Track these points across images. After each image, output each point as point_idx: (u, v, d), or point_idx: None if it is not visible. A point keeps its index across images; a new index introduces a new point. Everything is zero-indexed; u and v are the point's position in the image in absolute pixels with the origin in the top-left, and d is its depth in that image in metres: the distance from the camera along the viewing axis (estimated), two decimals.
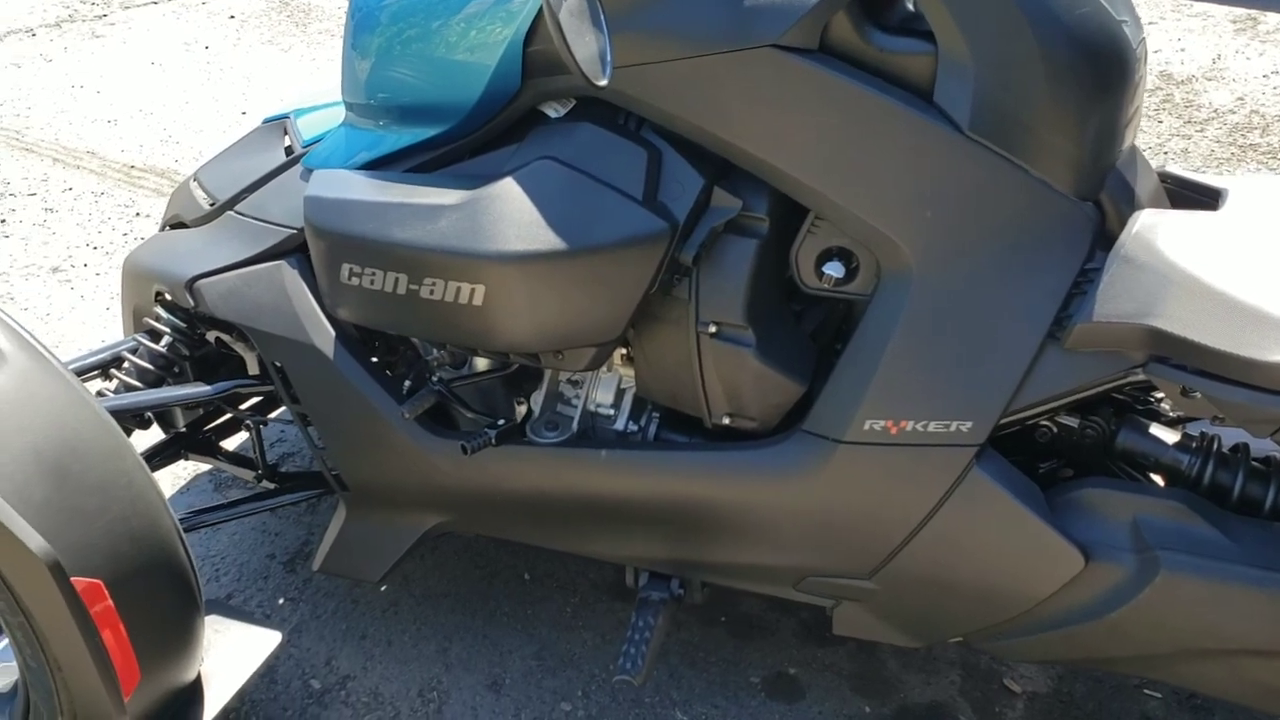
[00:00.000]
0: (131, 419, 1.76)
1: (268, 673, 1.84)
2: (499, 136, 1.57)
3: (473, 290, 1.42)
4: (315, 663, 1.88)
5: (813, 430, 1.47)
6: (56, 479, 1.35)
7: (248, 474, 1.93)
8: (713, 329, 1.47)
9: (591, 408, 1.65)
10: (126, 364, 1.79)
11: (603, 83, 1.30)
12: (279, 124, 1.99)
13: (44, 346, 1.42)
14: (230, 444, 2.04)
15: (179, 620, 1.50)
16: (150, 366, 1.78)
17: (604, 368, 1.64)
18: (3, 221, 3.33)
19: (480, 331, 1.46)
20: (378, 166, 1.63)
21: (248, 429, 1.89)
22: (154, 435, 1.96)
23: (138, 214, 3.38)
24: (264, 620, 1.74)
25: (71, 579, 1.34)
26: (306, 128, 1.90)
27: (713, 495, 1.55)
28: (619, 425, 1.65)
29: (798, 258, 1.47)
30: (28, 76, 4.44)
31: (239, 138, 2.07)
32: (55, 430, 1.37)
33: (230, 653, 1.69)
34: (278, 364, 1.69)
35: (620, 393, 1.65)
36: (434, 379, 1.62)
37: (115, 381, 1.78)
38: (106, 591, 1.38)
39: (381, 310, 1.51)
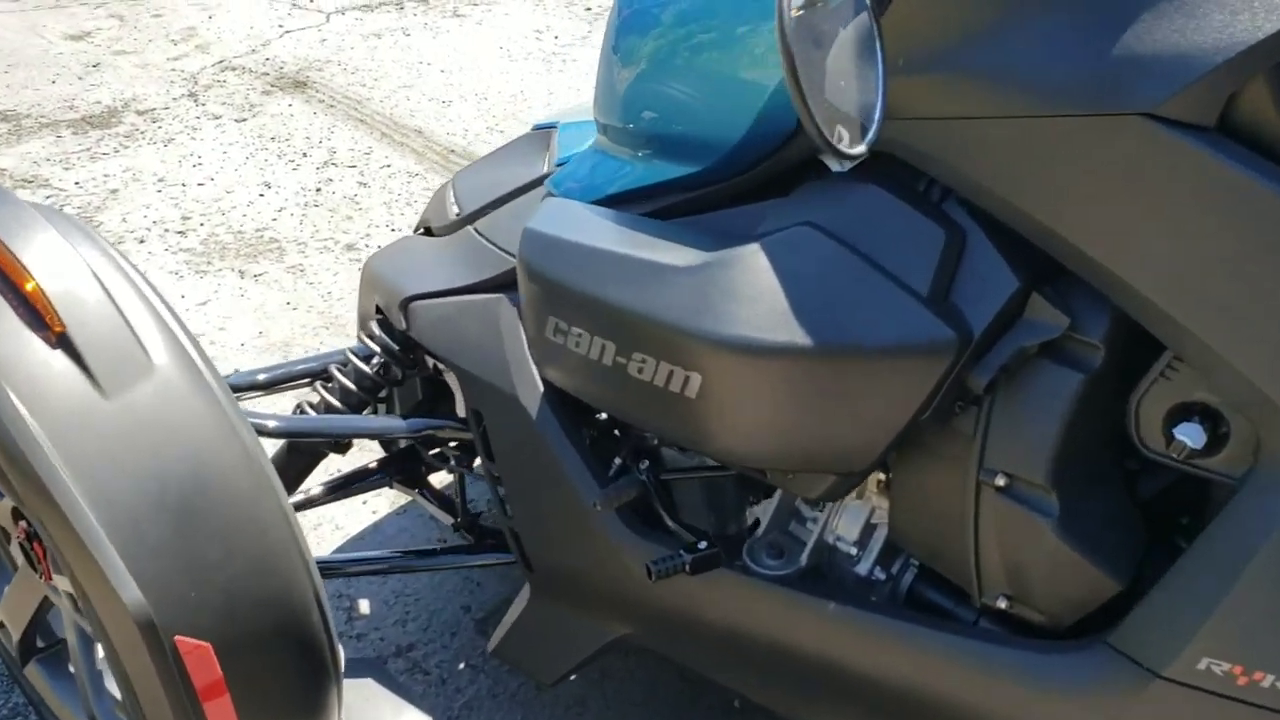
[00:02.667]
0: (323, 442, 1.57)
1: None
2: (765, 185, 1.24)
3: (686, 378, 1.11)
4: None
5: (1122, 649, 1.05)
6: (178, 519, 1.16)
7: (448, 519, 1.71)
8: (1001, 481, 1.08)
9: (830, 539, 1.30)
10: (332, 382, 1.61)
11: (857, 152, 0.94)
12: (546, 133, 1.76)
13: (202, 355, 1.23)
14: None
15: (302, 698, 1.29)
16: (354, 387, 1.59)
17: (852, 493, 1.27)
18: (318, 190, 3.35)
19: (691, 430, 1.14)
20: (624, 202, 1.34)
21: (451, 472, 1.67)
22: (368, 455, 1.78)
23: None
24: (420, 699, 1.52)
25: (176, 638, 1.15)
26: (568, 142, 1.65)
27: (967, 695, 1.15)
28: (862, 568, 1.28)
29: (1140, 408, 1.05)
30: (384, 49, 4.53)
31: (507, 143, 1.85)
32: (189, 460, 1.18)
33: None
34: (478, 411, 1.45)
35: (869, 528, 1.28)
36: (642, 466, 1.32)
37: (319, 398, 1.60)
38: (216, 658, 1.18)
39: (584, 379, 1.23)
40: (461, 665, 1.77)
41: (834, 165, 1.15)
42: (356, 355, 1.60)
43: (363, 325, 1.72)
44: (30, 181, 3.42)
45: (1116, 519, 1.12)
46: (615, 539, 1.34)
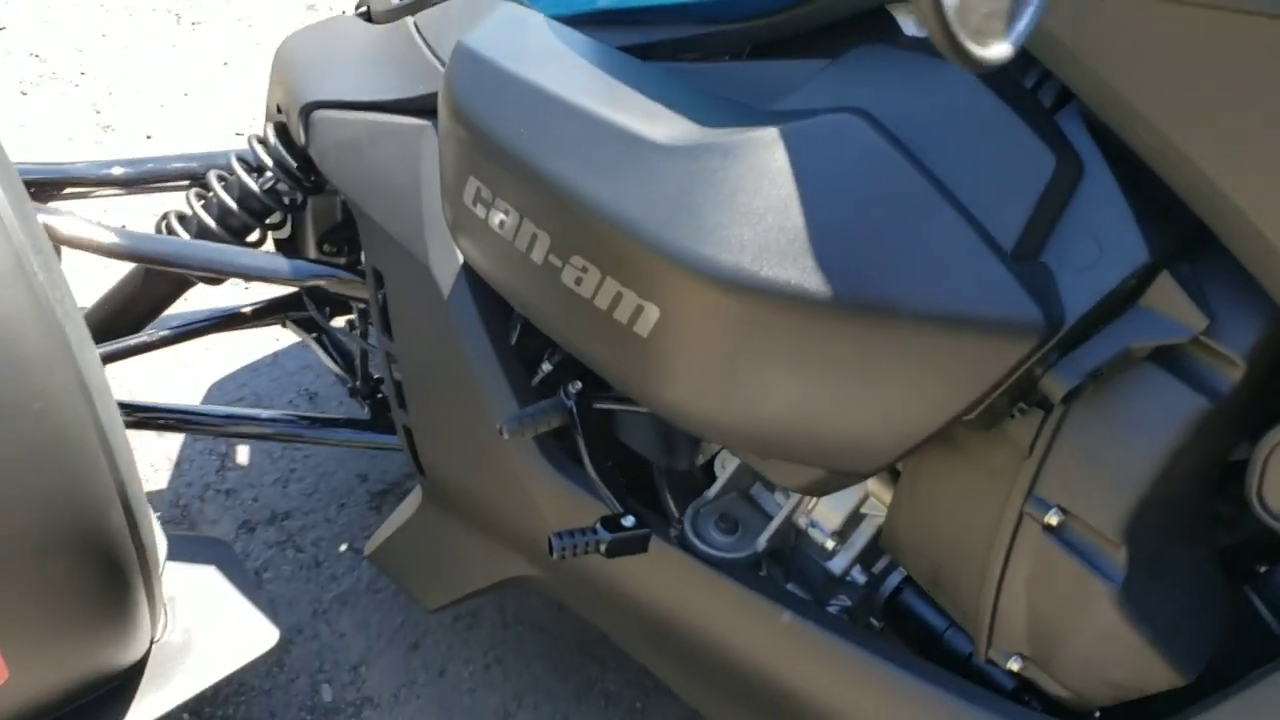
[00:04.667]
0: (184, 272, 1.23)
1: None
2: (806, 38, 0.87)
3: (640, 308, 0.77)
4: (340, 661, 1.36)
5: None
6: None
7: (346, 380, 1.40)
8: (1054, 519, 0.77)
9: (802, 520, 0.99)
10: (210, 193, 1.25)
11: (998, 52, 0.56)
12: None
13: None
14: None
15: (76, 591, 0.98)
16: (234, 206, 1.24)
17: None
18: None
19: (636, 378, 0.82)
20: (609, 24, 0.97)
21: (352, 329, 1.35)
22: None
23: None
24: (268, 609, 1.22)
25: None
26: None
27: None
28: (837, 565, 0.98)
29: (1271, 460, 0.72)
30: None
31: None
32: None
33: (205, 636, 1.19)
34: (379, 272, 1.11)
35: (856, 518, 0.97)
36: (570, 389, 0.99)
37: (196, 209, 1.25)
38: None
39: (504, 271, 0.88)
40: (343, 548, 1.49)
41: (910, 26, 0.79)
42: (243, 164, 1.24)
43: (266, 124, 1.35)
44: None
45: (1198, 595, 0.81)
46: (525, 469, 1.03)
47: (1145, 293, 0.72)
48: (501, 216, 0.85)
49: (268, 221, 1.27)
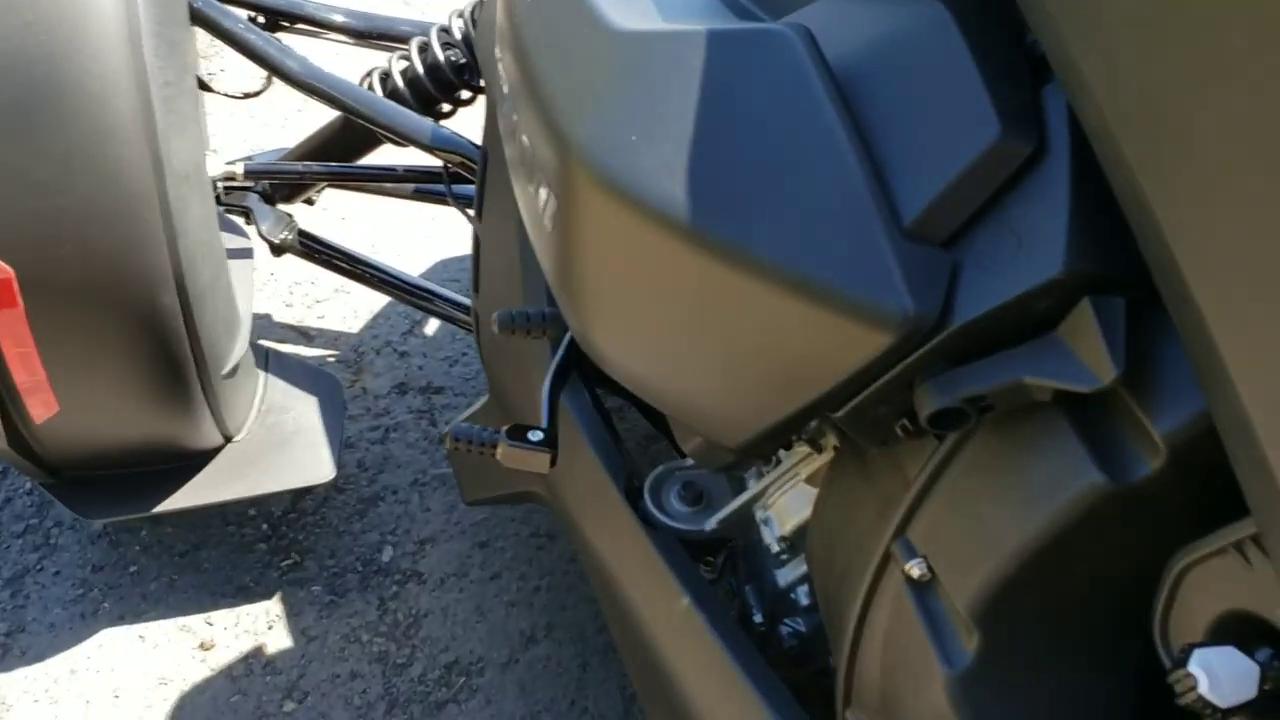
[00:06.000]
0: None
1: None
2: None
3: (544, 193, 0.72)
4: (412, 532, 1.40)
5: None
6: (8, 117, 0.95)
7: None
8: (916, 571, 0.64)
9: (760, 513, 0.88)
10: (409, 61, 1.31)
11: None
12: None
13: None
14: None
15: (131, 372, 1.07)
16: (424, 76, 1.29)
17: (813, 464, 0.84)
18: None
19: (549, 275, 0.76)
20: None
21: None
22: None
23: None
24: (338, 449, 1.27)
25: None
26: None
27: None
28: (782, 578, 0.87)
29: (1178, 590, 0.55)
30: None
31: None
32: (42, 33, 0.94)
33: (274, 453, 1.27)
34: (484, 150, 1.11)
35: (805, 528, 0.85)
36: None
37: (394, 71, 1.31)
38: (15, 283, 0.98)
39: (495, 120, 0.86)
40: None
41: None
42: (443, 36, 1.29)
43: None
44: None
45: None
46: (534, 378, 1.00)
47: (1062, 318, 0.56)
48: (508, 109, 0.82)
49: (456, 96, 1.31)
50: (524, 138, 0.76)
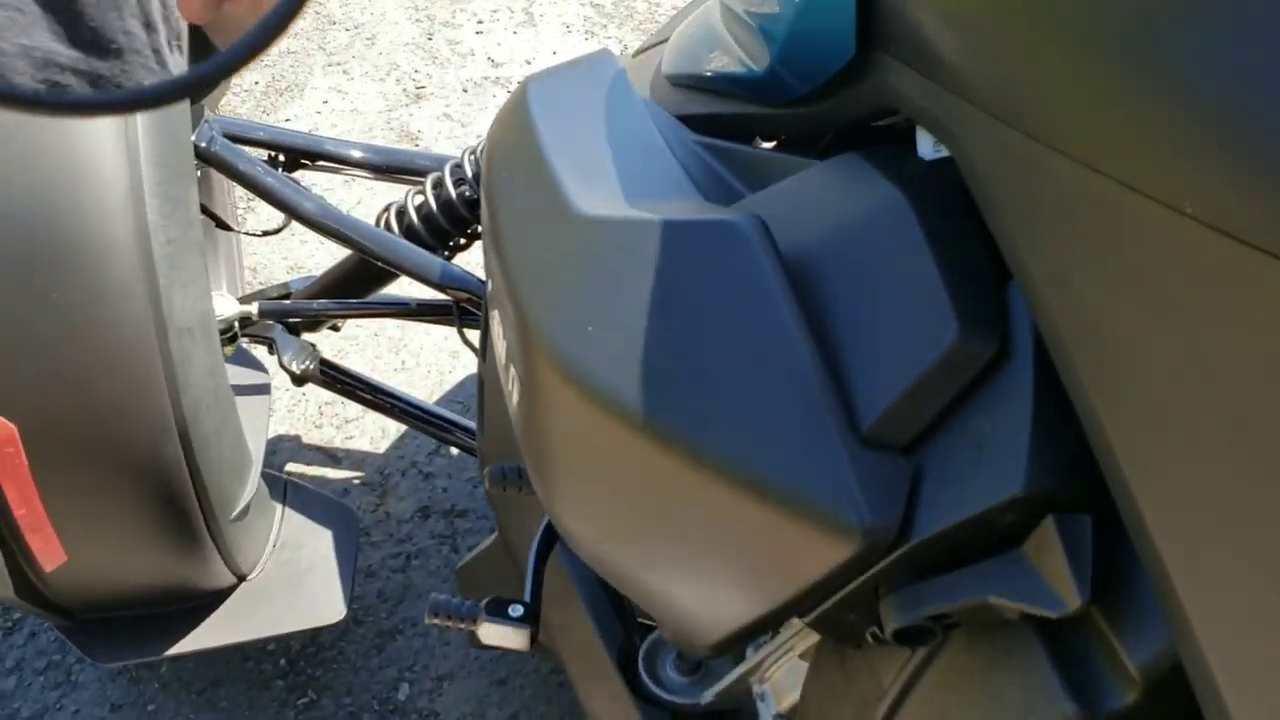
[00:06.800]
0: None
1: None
2: (814, 130, 0.74)
3: (511, 370, 0.71)
4: (430, 668, 1.38)
5: None
6: (13, 270, 0.96)
7: None
8: None
9: (757, 685, 0.84)
10: (424, 195, 1.31)
11: None
12: None
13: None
14: None
15: (137, 519, 1.07)
16: (436, 210, 1.29)
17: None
18: None
19: (522, 453, 0.74)
20: (695, 90, 0.89)
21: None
22: None
23: None
24: (349, 586, 1.26)
25: None
26: None
27: None
28: None
29: None
30: None
31: None
32: (45, 195, 0.95)
33: (288, 591, 1.26)
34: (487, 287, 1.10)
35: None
36: None
37: (409, 207, 1.32)
38: (20, 443, 0.99)
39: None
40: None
41: (927, 147, 0.65)
42: (454, 175, 1.29)
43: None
44: None
45: None
46: (519, 511, 0.99)
47: (1029, 537, 0.53)
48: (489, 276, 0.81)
49: (470, 230, 1.31)
50: (495, 310, 0.75)
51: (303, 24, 2.60)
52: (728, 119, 0.81)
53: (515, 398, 0.70)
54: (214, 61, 0.42)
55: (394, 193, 1.37)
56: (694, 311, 0.60)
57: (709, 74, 0.84)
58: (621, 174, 0.73)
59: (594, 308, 0.63)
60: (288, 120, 2.30)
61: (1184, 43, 0.40)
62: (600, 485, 0.65)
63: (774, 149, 0.81)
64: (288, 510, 1.32)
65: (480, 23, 2.68)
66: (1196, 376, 0.41)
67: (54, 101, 0.43)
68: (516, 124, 0.82)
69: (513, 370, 0.70)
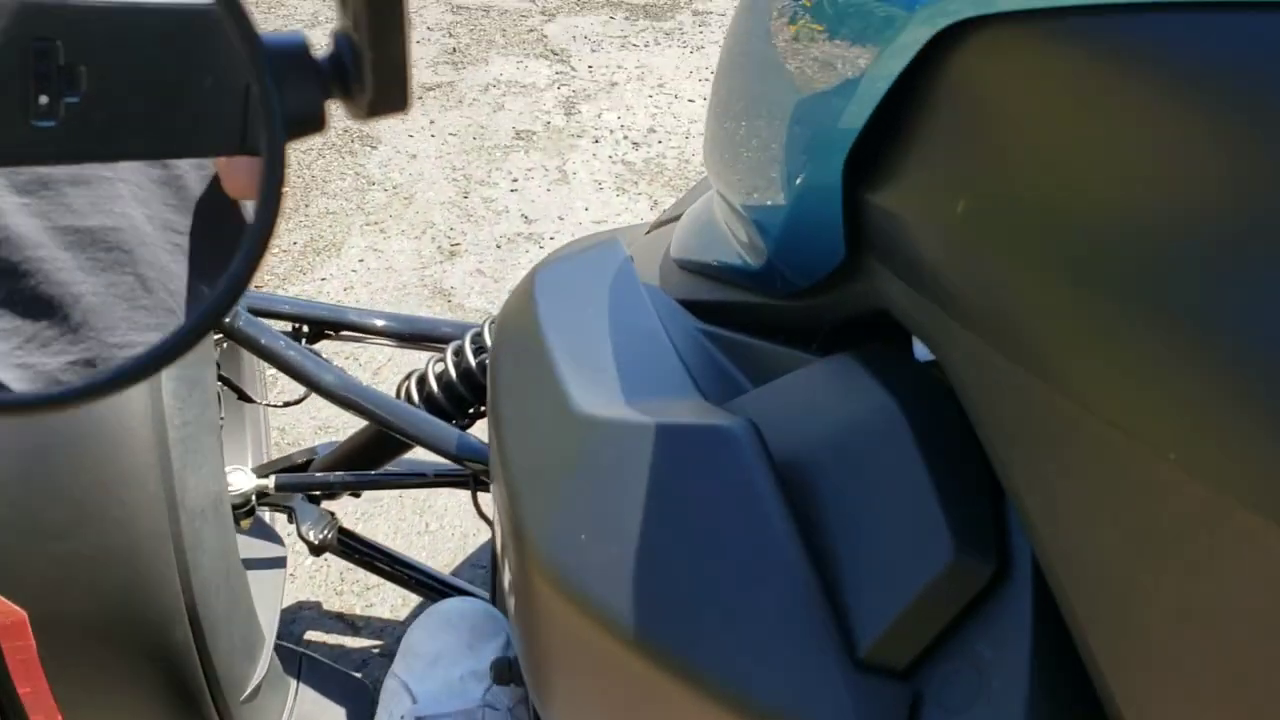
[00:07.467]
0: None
1: None
2: (809, 325, 0.74)
3: (503, 550, 0.70)
4: None
5: None
6: (24, 460, 0.97)
7: None
8: None
9: None
10: (443, 365, 1.32)
11: None
12: None
13: None
14: None
15: (148, 706, 1.06)
16: (455, 380, 1.30)
17: None
18: None
19: (512, 630, 0.72)
20: (702, 275, 0.89)
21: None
22: None
23: None
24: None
25: None
26: None
27: None
28: None
29: None
30: None
31: None
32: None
33: None
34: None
35: None
36: None
37: (430, 376, 1.33)
38: (30, 632, 0.99)
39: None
40: None
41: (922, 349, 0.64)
42: (474, 344, 1.30)
43: None
44: (555, 55, 3.45)
45: None
46: None
47: None
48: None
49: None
50: (495, 504, 0.74)
51: (343, 184, 2.69)
52: (731, 307, 0.80)
53: (509, 591, 0.69)
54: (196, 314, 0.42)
55: (420, 355, 1.38)
56: (686, 522, 0.59)
57: (713, 263, 0.84)
58: (621, 369, 0.72)
59: (587, 514, 0.62)
60: (323, 279, 2.34)
61: (1188, 293, 0.39)
62: (591, 696, 0.63)
63: (778, 339, 0.81)
64: (302, 686, 1.30)
65: (515, 180, 2.75)
66: (1195, 625, 0.39)
67: (61, 395, 0.43)
68: (523, 313, 0.82)
69: (506, 566, 0.69)
